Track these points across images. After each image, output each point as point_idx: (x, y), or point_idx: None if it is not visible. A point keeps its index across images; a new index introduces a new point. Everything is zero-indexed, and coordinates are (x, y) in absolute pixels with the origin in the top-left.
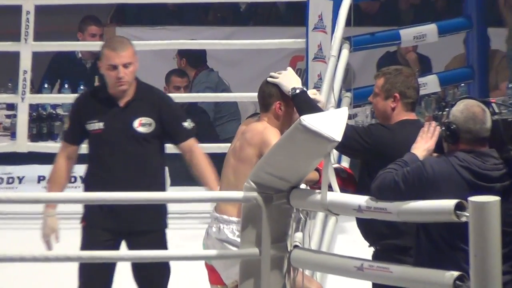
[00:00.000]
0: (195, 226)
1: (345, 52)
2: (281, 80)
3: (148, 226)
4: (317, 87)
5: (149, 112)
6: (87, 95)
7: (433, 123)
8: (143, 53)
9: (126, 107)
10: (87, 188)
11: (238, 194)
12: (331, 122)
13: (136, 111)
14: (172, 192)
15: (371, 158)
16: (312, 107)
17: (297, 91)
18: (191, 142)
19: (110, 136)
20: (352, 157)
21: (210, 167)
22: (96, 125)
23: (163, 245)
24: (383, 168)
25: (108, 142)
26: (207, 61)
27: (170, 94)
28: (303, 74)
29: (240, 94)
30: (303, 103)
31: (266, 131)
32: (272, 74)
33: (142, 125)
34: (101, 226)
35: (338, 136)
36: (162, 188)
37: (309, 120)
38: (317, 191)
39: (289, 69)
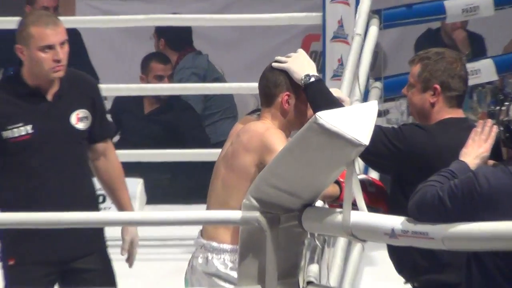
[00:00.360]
0: (176, 257)
1: (373, 30)
2: (291, 65)
3: (89, 248)
4: (337, 75)
5: (84, 102)
6: None
7: (488, 122)
8: (112, 32)
9: (57, 100)
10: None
11: (234, 215)
12: (356, 120)
13: (70, 103)
14: (147, 212)
15: (403, 168)
16: (331, 100)
17: (311, 79)
18: (109, 144)
19: (42, 141)
20: (378, 168)
21: (125, 181)
22: (22, 130)
23: (109, 266)
24: (423, 181)
25: (40, 149)
26: (193, 42)
27: (150, 86)
28: (318, 59)
29: (236, 84)
30: (319, 95)
31: (268, 133)
32: (279, 58)
33: (80, 119)
34: (35, 260)
35: (365, 138)
36: (96, 202)
37: (327, 117)
38: (338, 210)
39: (301, 51)
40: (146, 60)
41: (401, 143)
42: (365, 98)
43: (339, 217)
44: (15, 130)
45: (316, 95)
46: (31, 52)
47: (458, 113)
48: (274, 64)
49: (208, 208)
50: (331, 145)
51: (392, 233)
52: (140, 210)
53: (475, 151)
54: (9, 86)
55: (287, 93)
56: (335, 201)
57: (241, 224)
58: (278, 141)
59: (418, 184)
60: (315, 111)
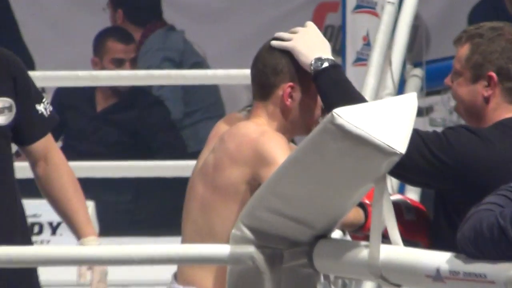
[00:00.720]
0: None
1: None
2: (296, 45)
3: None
4: (362, 59)
5: (5, 88)
6: None
7: None
8: (52, 1)
9: None
10: None
11: (220, 250)
12: (388, 120)
13: None
14: (100, 247)
15: (450, 188)
16: (353, 94)
17: (325, 64)
18: (49, 141)
19: None
20: (414, 185)
21: (78, 187)
22: None
23: None
24: (475, 205)
25: None
26: (163, 13)
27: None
28: (336, 36)
29: (223, 71)
30: (334, 87)
31: (264, 139)
32: (281, 34)
33: (0, 111)
34: None
35: (400, 144)
36: (26, 232)
37: (348, 116)
38: (363, 243)
39: (310, 24)
40: (100, 38)
41: (446, 155)
42: (400, 90)
43: (364, 253)
44: None
45: (330, 87)
46: None
47: None
48: (274, 43)
49: (183, 241)
50: (353, 154)
51: (437, 275)
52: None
53: None
54: None
55: (291, 84)
56: (359, 231)
57: (229, 263)
58: (278, 149)
59: (470, 208)
60: (329, 108)
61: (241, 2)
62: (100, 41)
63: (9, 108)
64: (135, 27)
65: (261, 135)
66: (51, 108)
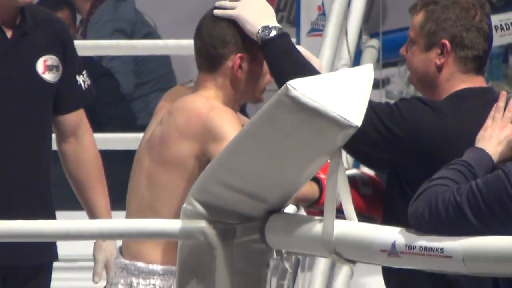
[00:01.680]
0: (85, 285)
1: None
2: (241, 13)
3: (37, 259)
4: (317, 29)
5: (53, 46)
6: None
7: None
8: None
9: (18, 38)
10: None
11: (170, 225)
12: (344, 91)
13: (35, 45)
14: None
15: (403, 161)
16: (302, 64)
17: (272, 32)
18: (81, 117)
19: (1, 92)
20: (366, 162)
21: (102, 172)
22: None
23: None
24: (428, 179)
25: None
26: None
27: None
28: (291, 5)
29: (174, 42)
30: (283, 56)
31: (214, 113)
32: (222, 2)
33: (48, 68)
34: None
35: (356, 116)
36: (51, 198)
37: (303, 88)
38: (316, 218)
39: None
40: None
41: (398, 127)
42: (356, 61)
43: (317, 228)
44: None
45: (278, 56)
46: None
47: (478, 82)
48: (218, 12)
49: (128, 215)
50: (308, 127)
51: (392, 250)
52: None
53: (496, 134)
54: None
55: (240, 54)
56: (313, 206)
57: (180, 237)
58: (227, 124)
59: (423, 180)
60: (279, 79)
61: None
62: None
63: (57, 67)
64: None
65: (210, 110)
66: (89, 82)
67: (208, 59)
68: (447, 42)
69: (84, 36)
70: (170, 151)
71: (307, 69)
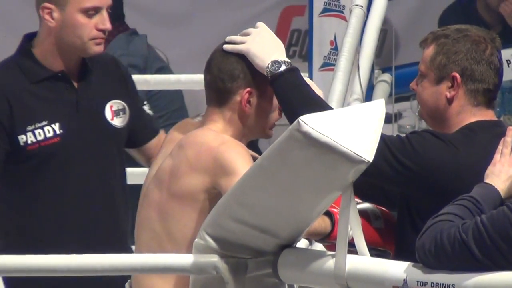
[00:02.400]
0: None
1: (380, 1)
2: (251, 47)
3: None
4: (329, 64)
5: (116, 89)
6: (3, 77)
7: None
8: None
9: (85, 87)
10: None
11: (183, 259)
12: (356, 126)
13: (102, 91)
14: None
15: (414, 195)
16: (313, 99)
17: (282, 67)
18: (161, 138)
19: (74, 146)
20: (377, 198)
21: None
22: (47, 131)
23: None
24: (434, 214)
25: (70, 157)
26: (126, 17)
27: None
28: (303, 40)
29: (186, 76)
30: (293, 91)
31: (224, 147)
32: (232, 37)
33: (115, 113)
34: None
35: (368, 152)
36: (127, 236)
37: (314, 123)
38: (329, 252)
39: (262, 25)
40: None
41: (410, 160)
42: (368, 95)
43: (329, 263)
44: (38, 131)
45: (288, 91)
46: (67, 15)
47: (488, 115)
48: (227, 47)
49: (138, 249)
50: (320, 162)
51: (404, 286)
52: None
53: (506, 169)
54: (17, 69)
55: (248, 89)
56: (325, 240)
57: (192, 272)
58: (238, 158)
59: (434, 213)
60: (290, 114)
61: (205, 6)
62: None
63: (124, 111)
64: None
65: (221, 144)
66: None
67: (217, 93)
68: (457, 75)
69: None
70: (180, 184)
71: (318, 104)
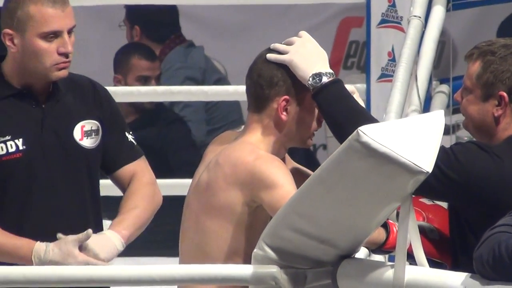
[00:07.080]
0: None
1: (438, 11)
2: (294, 58)
3: None
4: (387, 75)
5: (93, 111)
6: None
7: None
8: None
9: (53, 105)
10: None
11: (241, 270)
12: (415, 137)
13: (72, 112)
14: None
15: (461, 203)
16: (356, 109)
17: (324, 79)
18: (139, 165)
19: (37, 161)
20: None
21: (151, 203)
22: (10, 145)
23: None
24: (491, 226)
25: (33, 173)
26: (182, 29)
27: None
28: (361, 51)
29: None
30: (335, 103)
31: (260, 162)
32: (276, 45)
33: (86, 134)
34: None
35: (427, 162)
36: None
37: (374, 133)
38: (388, 263)
39: (305, 35)
40: (123, 55)
41: (454, 171)
42: (426, 106)
43: (389, 274)
44: (0, 145)
45: (332, 104)
46: (27, 40)
47: None
48: (270, 56)
49: (181, 260)
50: (379, 173)
51: None
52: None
53: None
54: None
55: (286, 97)
56: (380, 250)
57: (251, 283)
58: (276, 170)
59: (484, 227)
60: (334, 127)
61: (263, 17)
62: (123, 58)
63: (96, 132)
64: (153, 43)
65: (256, 159)
66: (135, 142)
67: (255, 98)
68: (505, 94)
69: (159, 81)
70: (217, 198)
71: (362, 116)
